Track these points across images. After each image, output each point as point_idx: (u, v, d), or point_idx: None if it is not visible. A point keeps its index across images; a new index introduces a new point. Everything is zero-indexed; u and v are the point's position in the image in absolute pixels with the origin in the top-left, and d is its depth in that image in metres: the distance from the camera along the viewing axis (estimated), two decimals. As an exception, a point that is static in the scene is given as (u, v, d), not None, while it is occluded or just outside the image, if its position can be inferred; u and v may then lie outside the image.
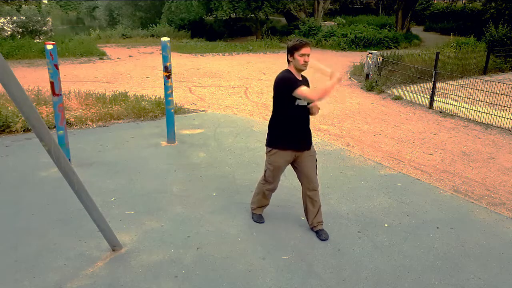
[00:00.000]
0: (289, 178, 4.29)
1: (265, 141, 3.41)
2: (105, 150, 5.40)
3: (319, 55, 16.57)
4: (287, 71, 3.19)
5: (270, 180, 3.45)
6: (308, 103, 3.23)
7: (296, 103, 3.15)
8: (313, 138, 3.49)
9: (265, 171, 3.44)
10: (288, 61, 3.20)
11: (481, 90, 8.30)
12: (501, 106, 7.53)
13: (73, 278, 2.86)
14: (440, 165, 5.25)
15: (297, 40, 3.13)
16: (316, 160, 3.42)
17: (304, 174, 3.36)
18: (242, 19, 23.50)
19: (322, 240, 3.41)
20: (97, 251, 3.18)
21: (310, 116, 3.38)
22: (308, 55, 3.11)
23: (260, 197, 3.61)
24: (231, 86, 10.05)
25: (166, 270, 2.98)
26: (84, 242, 3.30)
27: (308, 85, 3.27)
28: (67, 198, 3.91)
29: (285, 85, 3.10)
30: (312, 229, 3.52)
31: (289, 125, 3.23)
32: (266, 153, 3.38)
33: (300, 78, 3.24)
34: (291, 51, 3.13)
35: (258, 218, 3.70)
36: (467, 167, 5.21)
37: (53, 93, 4.46)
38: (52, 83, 4.41)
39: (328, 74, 3.15)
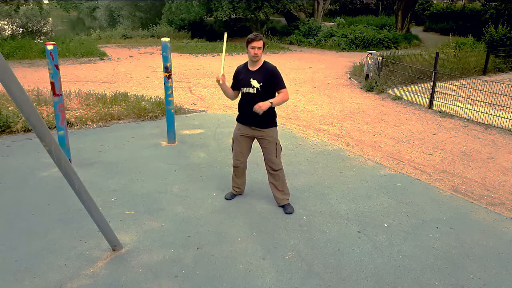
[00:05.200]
0: (288, 179, 4.29)
1: None
2: (106, 150, 5.41)
3: (319, 56, 16.59)
4: (244, 63, 3.67)
5: (231, 149, 3.95)
6: (257, 91, 3.58)
7: (241, 91, 3.66)
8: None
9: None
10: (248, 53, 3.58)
11: (480, 90, 8.32)
12: (501, 106, 7.54)
13: (73, 278, 2.87)
14: (439, 165, 5.26)
15: (252, 34, 3.50)
16: (277, 144, 3.78)
17: (264, 155, 3.83)
18: (242, 19, 23.49)
19: (287, 213, 3.83)
20: (97, 251, 3.18)
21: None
22: (259, 48, 3.48)
23: (232, 173, 4.04)
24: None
25: (166, 270, 2.99)
26: (84, 242, 3.31)
27: (268, 75, 3.56)
28: (67, 198, 3.92)
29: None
30: (279, 205, 3.93)
31: (241, 106, 3.74)
32: None
33: (255, 68, 3.60)
34: (246, 44, 3.53)
35: (227, 195, 4.13)
36: (466, 167, 5.22)
37: (54, 93, 4.47)
38: (52, 83, 4.42)
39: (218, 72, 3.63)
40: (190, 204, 3.99)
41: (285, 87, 3.63)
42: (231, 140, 3.96)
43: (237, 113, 3.81)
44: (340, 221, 3.74)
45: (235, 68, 3.75)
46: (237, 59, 14.95)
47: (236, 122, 3.85)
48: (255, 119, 3.63)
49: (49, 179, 4.46)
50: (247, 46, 3.50)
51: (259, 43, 3.46)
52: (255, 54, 3.48)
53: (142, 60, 14.26)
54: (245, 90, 3.62)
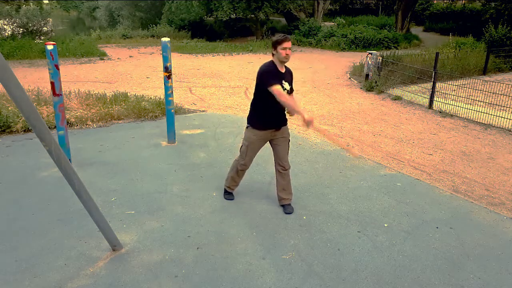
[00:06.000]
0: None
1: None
2: (106, 150, 5.41)
3: (319, 56, 16.59)
4: (271, 62, 3.51)
5: (243, 156, 3.80)
6: (287, 93, 3.49)
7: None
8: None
9: (241, 146, 3.81)
10: (273, 54, 3.50)
11: (480, 90, 8.32)
12: (501, 106, 7.54)
13: (73, 278, 2.87)
14: (439, 165, 5.26)
15: (280, 35, 3.44)
16: (289, 141, 3.81)
17: (277, 153, 3.77)
18: (242, 19, 23.49)
19: (286, 213, 3.83)
20: (97, 251, 3.18)
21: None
22: (290, 49, 3.41)
23: (233, 173, 3.95)
24: (231, 86, 10.06)
25: (167, 269, 2.99)
26: (84, 242, 3.31)
27: (291, 77, 3.66)
28: (67, 198, 3.92)
29: (263, 79, 3.41)
30: (280, 204, 3.93)
31: (264, 109, 3.58)
32: (245, 129, 3.77)
33: (283, 70, 3.54)
34: (274, 45, 3.43)
35: (229, 196, 4.10)
36: (466, 167, 5.22)
37: (54, 93, 4.47)
38: (52, 83, 4.42)
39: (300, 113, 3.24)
40: (190, 204, 3.99)
41: None
42: (241, 146, 3.78)
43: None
44: (340, 221, 3.74)
45: (265, 70, 3.45)
46: (237, 59, 14.96)
47: (254, 129, 3.65)
48: (280, 120, 3.66)
49: (49, 179, 4.46)
50: (275, 48, 3.39)
51: (289, 44, 3.39)
52: (287, 55, 3.39)
53: (142, 60, 14.26)
54: None
